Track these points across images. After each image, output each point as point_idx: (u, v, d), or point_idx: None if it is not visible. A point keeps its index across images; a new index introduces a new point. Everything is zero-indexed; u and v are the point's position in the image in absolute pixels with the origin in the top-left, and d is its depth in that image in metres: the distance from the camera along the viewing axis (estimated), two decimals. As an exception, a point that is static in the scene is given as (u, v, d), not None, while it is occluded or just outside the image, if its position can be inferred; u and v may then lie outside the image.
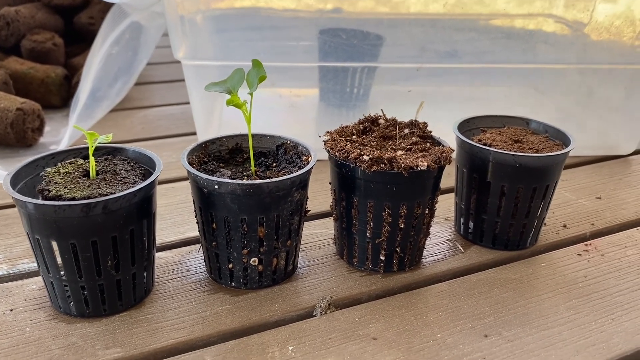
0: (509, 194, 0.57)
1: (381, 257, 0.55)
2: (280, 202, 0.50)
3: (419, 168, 0.50)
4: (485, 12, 0.74)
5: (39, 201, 0.43)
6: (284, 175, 0.53)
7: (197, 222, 0.53)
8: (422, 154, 0.53)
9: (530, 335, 0.48)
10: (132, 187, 0.47)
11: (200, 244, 0.59)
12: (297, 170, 0.54)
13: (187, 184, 0.73)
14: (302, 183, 0.51)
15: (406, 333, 0.48)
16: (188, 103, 1.05)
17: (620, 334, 0.49)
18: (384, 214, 0.52)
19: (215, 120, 0.82)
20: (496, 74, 0.80)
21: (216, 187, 0.48)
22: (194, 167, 0.52)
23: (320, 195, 0.71)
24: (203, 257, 0.56)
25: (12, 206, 0.67)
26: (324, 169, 0.73)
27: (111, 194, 0.45)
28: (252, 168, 0.54)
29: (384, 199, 0.52)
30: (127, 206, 0.46)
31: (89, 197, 0.45)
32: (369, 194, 0.52)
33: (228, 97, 0.50)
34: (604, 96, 0.84)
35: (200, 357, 0.45)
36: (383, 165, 0.50)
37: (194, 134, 0.90)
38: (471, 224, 0.62)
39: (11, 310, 0.50)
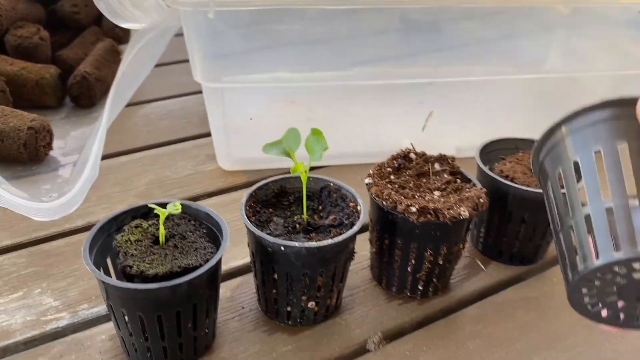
0: (529, 221, 0.63)
1: (419, 287, 0.61)
2: (339, 255, 0.54)
3: (461, 217, 0.55)
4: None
5: (129, 285, 0.46)
6: (333, 221, 0.57)
7: (254, 270, 0.57)
8: (459, 197, 0.58)
9: (557, 358, 0.56)
10: (207, 255, 0.50)
11: (249, 277, 0.63)
12: (343, 215, 0.58)
13: (217, 202, 0.76)
14: (355, 236, 0.55)
15: (452, 364, 0.55)
16: (183, 95, 1.05)
17: (631, 352, 0.57)
18: (425, 254, 0.58)
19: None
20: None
21: (282, 248, 0.52)
22: (249, 220, 0.55)
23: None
24: (257, 296, 0.60)
25: (51, 239, 0.68)
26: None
27: (190, 265, 0.48)
28: (305, 217, 0.57)
29: (427, 242, 0.57)
30: (207, 276, 0.49)
31: (171, 272, 0.48)
32: (413, 238, 0.57)
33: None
34: (584, 97, 0.89)
35: (280, 404, 0.51)
36: (430, 216, 0.55)
37: (201, 136, 0.92)
38: (490, 242, 0.68)
39: (91, 366, 0.53)
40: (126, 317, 0.49)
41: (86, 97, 0.95)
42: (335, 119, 0.82)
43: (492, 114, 0.85)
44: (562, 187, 0.40)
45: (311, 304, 0.56)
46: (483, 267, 0.67)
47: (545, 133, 0.40)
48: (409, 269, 0.60)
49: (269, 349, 0.56)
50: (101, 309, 0.59)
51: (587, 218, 0.35)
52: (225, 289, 0.63)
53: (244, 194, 0.58)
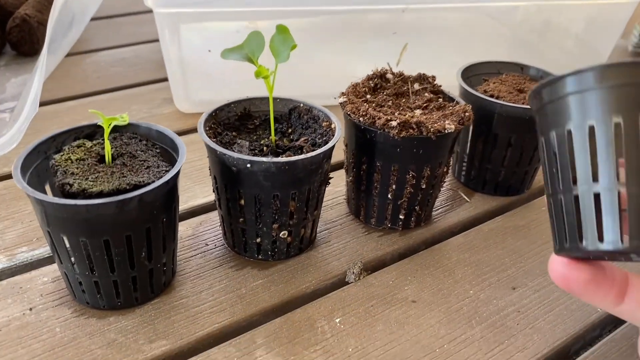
0: (516, 144, 0.59)
1: (400, 216, 0.56)
2: (312, 175, 0.48)
3: (446, 131, 0.50)
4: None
5: (68, 201, 0.39)
6: (304, 142, 0.51)
7: (218, 198, 0.51)
8: (442, 113, 0.53)
9: (552, 283, 0.52)
10: (161, 173, 0.44)
11: (213, 214, 0.57)
12: (316, 136, 0.52)
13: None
14: (330, 153, 0.49)
15: (441, 293, 0.50)
16: (137, 44, 0.97)
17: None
18: (407, 176, 0.52)
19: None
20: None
21: (248, 165, 0.45)
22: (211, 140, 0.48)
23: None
24: (222, 230, 0.54)
25: (-16, 183, 0.61)
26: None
27: (141, 182, 0.42)
28: (273, 138, 0.51)
29: (409, 162, 0.52)
30: (161, 195, 0.42)
31: (118, 189, 0.41)
32: (393, 158, 0.52)
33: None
34: (561, 27, 0.86)
35: (251, 340, 0.45)
36: (412, 130, 0.49)
37: (157, 81, 0.84)
38: (473, 173, 0.63)
39: (30, 309, 0.46)
40: (68, 246, 0.42)
41: (27, 42, 0.86)
42: (303, 54, 0.76)
43: (471, 46, 0.80)
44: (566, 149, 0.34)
45: (283, 234, 0.50)
46: (467, 198, 0.63)
47: (568, 74, 0.33)
48: (389, 195, 0.54)
49: (237, 285, 0.49)
50: (43, 251, 0.52)
51: (596, 195, 0.31)
52: (186, 227, 0.56)
53: (202, 115, 0.51)
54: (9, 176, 0.62)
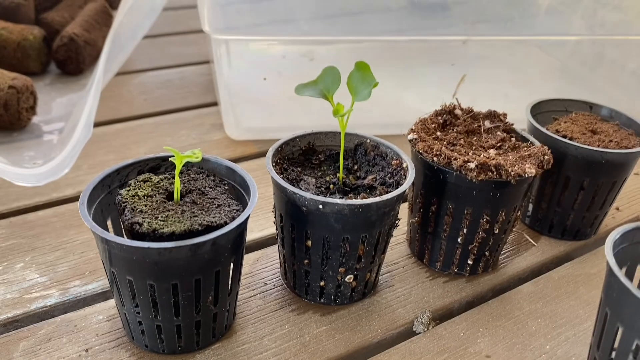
0: (589, 188, 0.56)
1: (468, 262, 0.53)
2: (384, 218, 0.46)
3: (527, 175, 0.47)
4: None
5: (140, 243, 0.37)
6: (373, 180, 0.49)
7: (282, 237, 0.48)
8: (519, 155, 0.50)
9: (634, 341, 0.48)
10: (232, 213, 0.41)
11: (269, 250, 0.55)
12: (385, 174, 0.49)
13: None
14: (403, 195, 0.47)
15: (516, 347, 0.47)
16: (183, 65, 0.96)
17: None
18: (481, 220, 0.50)
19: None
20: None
21: (320, 207, 0.43)
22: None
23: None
24: (281, 270, 0.51)
25: (34, 209, 0.59)
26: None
27: (214, 223, 0.40)
28: (341, 176, 0.49)
29: (484, 206, 0.49)
30: (233, 237, 0.40)
31: (190, 231, 0.39)
32: (468, 201, 0.49)
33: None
34: (617, 62, 0.83)
35: (318, 394, 0.42)
36: (491, 174, 0.47)
37: (204, 106, 0.83)
38: (539, 215, 0.60)
39: (86, 350, 0.44)
40: (133, 288, 0.40)
41: (74, 61, 0.85)
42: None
43: (528, 79, 0.77)
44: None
45: (349, 278, 0.47)
46: (533, 242, 0.60)
47: None
48: (459, 239, 0.51)
49: (300, 331, 0.47)
50: (96, 286, 0.50)
51: None
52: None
53: (269, 149, 0.49)
54: (59, 202, 0.60)
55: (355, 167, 0.52)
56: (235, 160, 0.70)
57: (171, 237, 0.38)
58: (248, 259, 0.54)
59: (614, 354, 0.40)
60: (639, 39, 0.80)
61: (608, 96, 0.85)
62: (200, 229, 0.39)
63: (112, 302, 0.48)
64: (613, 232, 0.41)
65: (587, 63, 0.83)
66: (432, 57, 0.76)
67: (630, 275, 0.45)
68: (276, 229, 0.49)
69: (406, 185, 0.46)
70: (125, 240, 0.37)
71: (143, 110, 0.80)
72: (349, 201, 0.43)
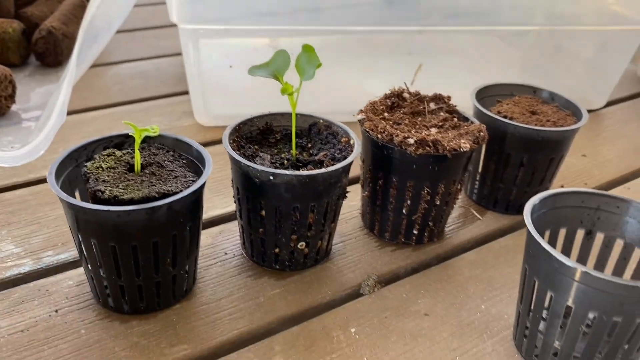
0: (528, 164, 0.60)
1: (414, 232, 0.57)
2: (331, 188, 0.50)
3: (461, 149, 0.52)
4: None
5: (101, 206, 0.41)
6: (324, 157, 0.53)
7: (239, 209, 0.53)
8: (458, 132, 0.55)
9: (562, 300, 0.53)
10: (188, 183, 0.45)
11: (231, 225, 0.59)
12: (335, 151, 0.54)
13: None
14: (349, 168, 0.51)
15: (453, 307, 0.51)
16: (157, 57, 1.00)
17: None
18: (422, 192, 0.54)
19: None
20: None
21: (271, 177, 0.47)
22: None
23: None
24: (241, 240, 0.55)
25: (11, 189, 0.63)
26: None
27: (170, 191, 0.44)
28: (294, 152, 0.53)
29: (425, 179, 0.53)
30: (188, 204, 0.44)
31: (147, 197, 0.43)
32: (409, 175, 0.53)
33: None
34: (572, 52, 0.88)
35: (269, 347, 0.46)
36: (428, 148, 0.51)
37: (177, 94, 0.87)
38: (485, 191, 0.65)
39: (56, 311, 0.48)
40: (97, 250, 0.44)
41: (52, 54, 0.89)
42: (320, 72, 0.78)
43: (482, 68, 0.82)
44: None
45: (301, 245, 0.52)
46: (479, 215, 0.64)
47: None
48: (404, 211, 0.56)
49: (255, 293, 0.51)
50: (68, 255, 0.54)
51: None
52: (205, 236, 0.58)
53: (227, 128, 0.53)
54: (35, 182, 0.64)
55: (309, 145, 0.56)
56: (205, 144, 0.74)
57: (130, 202, 0.42)
58: (211, 232, 0.58)
59: (533, 305, 0.44)
60: (593, 29, 0.85)
61: (563, 85, 0.90)
62: (157, 196, 0.43)
63: (82, 270, 0.52)
64: (533, 197, 0.46)
65: (546, 53, 0.88)
66: (393, 47, 0.81)
67: (554, 238, 0.49)
68: (234, 202, 0.53)
69: (351, 158, 0.50)
70: (89, 204, 0.41)
71: (117, 99, 0.84)
72: (297, 172, 0.47)
